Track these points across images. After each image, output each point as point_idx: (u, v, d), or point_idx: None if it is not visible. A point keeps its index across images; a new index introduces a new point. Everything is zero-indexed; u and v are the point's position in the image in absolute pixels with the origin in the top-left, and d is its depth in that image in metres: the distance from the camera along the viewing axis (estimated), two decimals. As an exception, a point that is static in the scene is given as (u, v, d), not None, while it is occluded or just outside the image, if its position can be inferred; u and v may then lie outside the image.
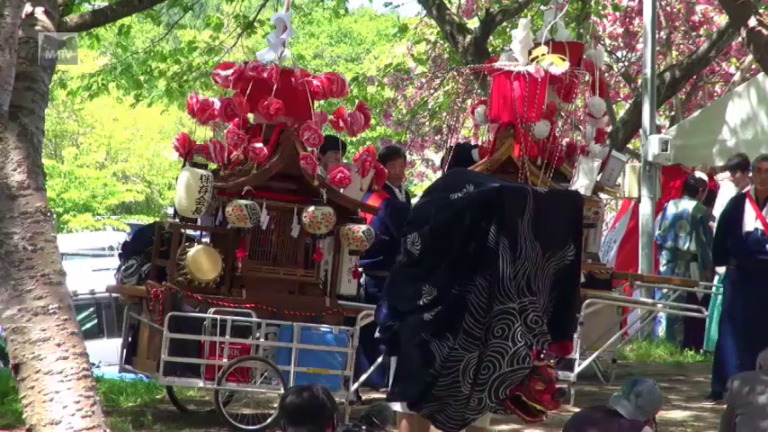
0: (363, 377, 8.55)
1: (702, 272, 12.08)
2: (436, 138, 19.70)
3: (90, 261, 20.70)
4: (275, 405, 8.28)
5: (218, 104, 8.30)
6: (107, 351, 12.29)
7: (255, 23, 14.93)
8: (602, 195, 10.23)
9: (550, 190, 7.45)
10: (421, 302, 6.26)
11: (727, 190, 11.95)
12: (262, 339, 8.07)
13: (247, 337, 8.05)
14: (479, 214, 6.21)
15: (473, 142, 10.69)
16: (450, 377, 6.16)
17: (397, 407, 6.51)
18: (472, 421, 6.30)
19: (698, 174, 12.96)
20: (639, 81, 16.00)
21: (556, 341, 6.37)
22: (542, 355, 6.15)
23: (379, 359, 8.49)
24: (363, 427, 5.92)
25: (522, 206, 6.20)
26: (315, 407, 5.33)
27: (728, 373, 8.69)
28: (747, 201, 9.54)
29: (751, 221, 9.44)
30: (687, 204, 12.46)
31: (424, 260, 6.35)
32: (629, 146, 18.31)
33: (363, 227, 8.26)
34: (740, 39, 12.97)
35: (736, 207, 9.65)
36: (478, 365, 6.12)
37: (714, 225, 10.95)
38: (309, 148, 8.24)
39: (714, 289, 11.30)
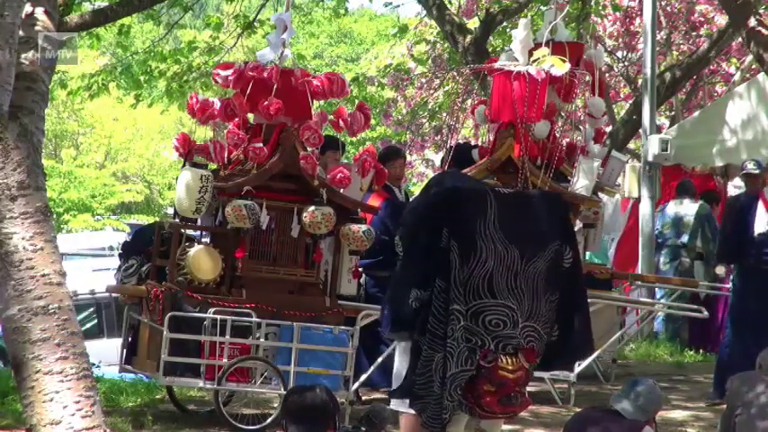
0: (363, 377, 8.55)
1: (708, 270, 12.06)
2: (436, 138, 19.70)
3: (90, 261, 20.70)
4: (275, 405, 8.28)
5: (218, 104, 8.30)
6: (107, 351, 12.28)
7: (255, 23, 14.92)
8: (602, 195, 10.23)
9: (520, 191, 7.51)
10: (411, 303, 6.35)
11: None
12: (262, 339, 8.07)
13: (247, 337, 8.05)
14: (434, 216, 6.29)
15: (473, 142, 10.69)
16: (425, 377, 6.25)
17: (399, 406, 6.56)
18: (448, 421, 6.30)
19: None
20: (639, 81, 16.00)
21: (566, 349, 6.40)
22: (489, 357, 6.13)
23: (380, 359, 8.49)
24: (363, 429, 5.93)
25: (481, 208, 6.21)
26: (317, 407, 5.34)
27: (730, 372, 8.69)
28: (760, 202, 9.49)
29: (762, 223, 9.41)
30: (691, 205, 12.50)
31: (404, 262, 6.43)
32: (630, 146, 18.30)
33: (363, 227, 8.26)
34: (740, 39, 12.98)
35: (746, 208, 9.60)
36: (444, 365, 6.17)
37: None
38: (309, 148, 8.25)
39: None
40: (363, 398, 9.15)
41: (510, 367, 6.13)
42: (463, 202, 6.31)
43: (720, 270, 10.12)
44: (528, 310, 6.23)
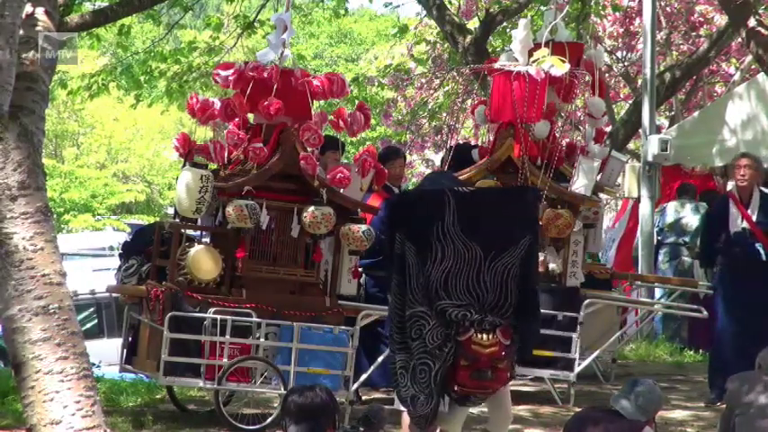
0: (363, 377, 8.55)
1: (707, 270, 12.07)
2: (436, 138, 19.71)
3: (90, 261, 20.69)
4: (275, 405, 8.29)
5: (218, 104, 8.30)
6: (107, 351, 12.28)
7: (255, 23, 14.92)
8: (602, 195, 10.23)
9: (484, 189, 7.52)
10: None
11: None
12: (262, 339, 8.08)
13: (247, 337, 8.05)
14: (389, 220, 6.41)
15: (473, 142, 10.69)
16: (394, 379, 6.36)
17: (400, 405, 6.59)
18: (431, 416, 6.33)
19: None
20: (639, 81, 16.00)
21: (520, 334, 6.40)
22: (461, 329, 6.16)
23: (380, 359, 8.50)
24: (361, 429, 5.94)
25: (438, 209, 6.22)
26: (317, 406, 5.35)
27: (724, 373, 8.70)
28: (731, 201, 9.55)
29: (737, 221, 9.45)
30: (692, 207, 12.53)
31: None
32: (630, 146, 18.30)
33: (363, 227, 8.27)
34: (740, 39, 12.97)
35: (721, 208, 9.67)
36: (413, 368, 6.23)
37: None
38: (309, 149, 8.25)
39: None
40: (363, 398, 9.15)
41: (485, 342, 6.15)
42: (416, 206, 6.37)
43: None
44: (491, 304, 6.23)
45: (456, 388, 6.25)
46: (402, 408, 6.67)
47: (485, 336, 6.15)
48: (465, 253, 6.20)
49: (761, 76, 13.02)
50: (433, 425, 6.50)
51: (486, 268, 6.22)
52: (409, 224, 6.25)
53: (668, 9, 17.90)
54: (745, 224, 9.41)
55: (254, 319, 8.04)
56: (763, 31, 9.67)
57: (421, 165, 21.68)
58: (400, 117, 19.47)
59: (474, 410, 7.78)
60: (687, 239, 12.63)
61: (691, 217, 12.65)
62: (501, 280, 6.24)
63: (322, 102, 8.98)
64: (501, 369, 6.23)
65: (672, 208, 12.82)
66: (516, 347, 6.34)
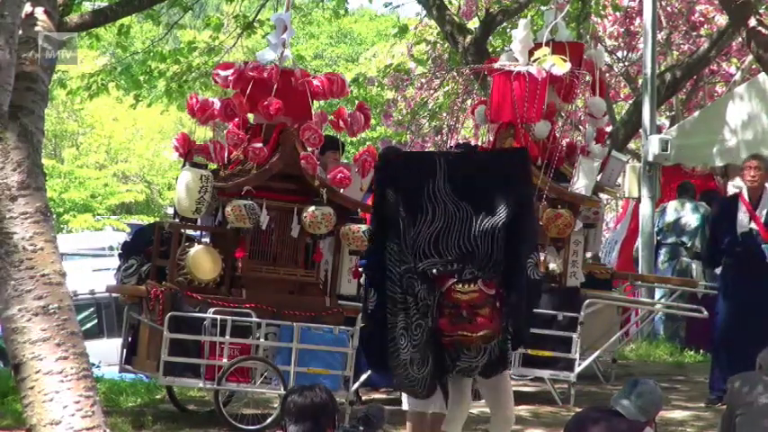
0: (363, 377, 8.55)
1: (706, 270, 12.07)
2: (436, 138, 19.69)
3: (90, 261, 20.70)
4: (275, 405, 8.29)
5: (218, 104, 8.30)
6: (107, 351, 12.29)
7: (255, 23, 14.92)
8: (603, 195, 10.23)
9: (475, 152, 7.62)
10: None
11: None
12: (262, 339, 8.07)
13: (247, 337, 8.05)
14: (383, 183, 6.47)
15: (473, 142, 10.68)
16: (393, 343, 6.31)
17: (404, 405, 6.58)
18: (429, 383, 6.32)
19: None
20: (639, 81, 16.00)
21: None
22: (443, 279, 6.19)
23: (379, 359, 8.49)
24: (361, 429, 5.94)
25: (429, 170, 6.30)
26: (317, 406, 5.35)
27: (724, 373, 8.68)
28: (740, 202, 9.55)
29: (745, 222, 9.44)
30: (692, 207, 12.53)
31: None
32: (630, 146, 18.29)
33: (363, 227, 8.27)
34: (740, 39, 12.97)
35: (729, 209, 9.66)
36: (409, 327, 6.25)
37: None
38: (309, 148, 8.25)
39: None
40: (363, 398, 9.15)
41: (465, 290, 6.22)
42: (408, 166, 6.48)
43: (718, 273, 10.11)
44: (482, 260, 6.27)
45: (443, 338, 6.24)
46: (406, 407, 6.65)
47: (465, 285, 6.20)
48: (456, 212, 6.27)
49: (761, 76, 13.01)
50: (438, 414, 6.49)
51: (477, 226, 6.26)
52: (400, 184, 6.32)
53: (669, 9, 17.89)
54: (752, 224, 9.41)
55: (254, 319, 8.03)
56: (763, 30, 9.65)
57: (421, 165, 21.64)
58: (400, 117, 19.47)
59: (474, 410, 7.78)
60: (686, 239, 12.62)
61: (690, 216, 12.65)
62: (491, 238, 6.27)
63: (322, 102, 8.98)
64: (482, 315, 6.24)
65: (672, 207, 12.82)
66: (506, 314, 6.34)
